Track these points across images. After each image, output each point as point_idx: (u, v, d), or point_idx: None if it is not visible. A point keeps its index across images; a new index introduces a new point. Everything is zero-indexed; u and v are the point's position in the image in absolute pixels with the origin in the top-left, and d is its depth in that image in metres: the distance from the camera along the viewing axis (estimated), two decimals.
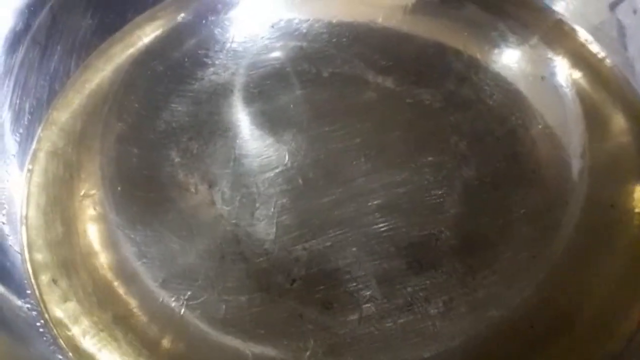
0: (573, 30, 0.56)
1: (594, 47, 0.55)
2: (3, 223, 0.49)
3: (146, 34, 0.57)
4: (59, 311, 0.47)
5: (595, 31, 0.56)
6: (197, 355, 0.45)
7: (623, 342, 0.45)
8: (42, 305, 0.47)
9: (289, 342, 0.45)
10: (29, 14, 0.52)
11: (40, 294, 0.47)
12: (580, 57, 0.55)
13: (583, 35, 0.56)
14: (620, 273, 0.47)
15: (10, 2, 0.52)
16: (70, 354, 0.45)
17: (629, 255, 0.48)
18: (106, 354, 0.46)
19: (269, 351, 0.45)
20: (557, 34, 0.56)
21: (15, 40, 0.52)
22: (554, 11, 0.57)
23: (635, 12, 0.53)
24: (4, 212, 0.49)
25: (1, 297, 0.46)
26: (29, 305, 0.47)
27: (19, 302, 0.46)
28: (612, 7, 0.55)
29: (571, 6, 0.57)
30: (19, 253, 0.48)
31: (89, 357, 0.46)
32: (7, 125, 0.51)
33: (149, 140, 0.53)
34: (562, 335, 0.45)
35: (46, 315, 0.47)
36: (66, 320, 0.47)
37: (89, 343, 0.46)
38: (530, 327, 0.45)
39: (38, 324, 0.46)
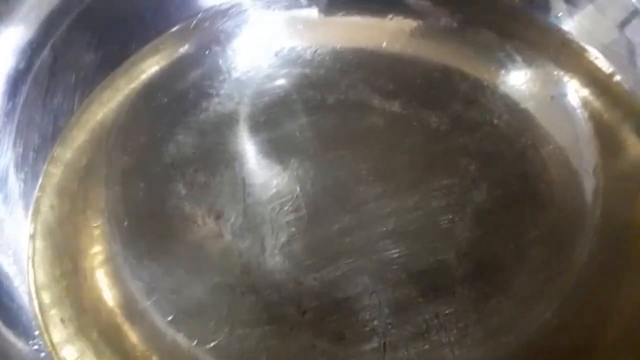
0: (582, 49, 0.56)
1: (604, 66, 0.55)
2: (9, 264, 0.48)
3: (149, 66, 0.57)
4: (68, 351, 0.46)
5: (604, 50, 0.55)
6: None
7: None
8: (51, 346, 0.46)
9: None
10: (31, 52, 0.52)
11: (49, 335, 0.47)
12: (590, 76, 0.55)
13: (592, 53, 0.55)
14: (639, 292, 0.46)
15: (11, 41, 0.52)
16: None
17: None
18: None
19: None
20: (565, 53, 0.56)
21: (18, 78, 0.52)
22: (562, 30, 0.57)
23: None
24: (10, 252, 0.49)
25: (8, 342, 0.45)
26: (37, 347, 0.46)
27: (27, 347, 0.46)
28: (622, 26, 0.54)
29: (579, 25, 0.56)
30: (26, 294, 0.48)
31: None
32: (12, 167, 0.51)
33: (155, 173, 0.52)
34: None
35: (54, 357, 0.46)
36: None
37: None
38: (549, 352, 0.45)
39: None
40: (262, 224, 0.50)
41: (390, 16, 0.58)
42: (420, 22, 0.58)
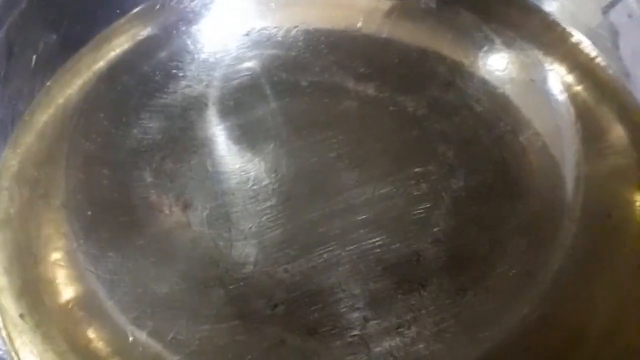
0: (565, 31, 0.55)
1: (587, 50, 0.54)
2: None
3: (114, 47, 0.55)
4: (26, 347, 0.45)
5: (588, 33, 0.54)
6: None
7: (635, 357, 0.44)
8: (9, 342, 0.45)
9: None
10: None
11: (7, 331, 0.45)
12: (572, 60, 0.54)
13: (576, 37, 0.55)
14: (623, 285, 0.46)
15: None
16: None
17: (630, 266, 0.46)
18: None
19: None
20: (547, 35, 0.55)
21: None
22: (544, 11, 0.56)
23: (629, 15, 0.52)
24: None
25: None
26: None
27: None
28: (606, 10, 0.53)
29: (563, 7, 0.55)
30: None
31: None
32: None
33: (119, 160, 0.51)
34: (565, 356, 0.44)
35: (12, 353, 0.45)
36: (33, 357, 0.45)
37: None
38: (528, 349, 0.44)
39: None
40: (232, 214, 0.49)
41: None
42: (397, 1, 0.57)
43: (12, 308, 0.46)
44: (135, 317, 0.45)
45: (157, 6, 0.57)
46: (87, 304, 0.46)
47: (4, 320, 0.45)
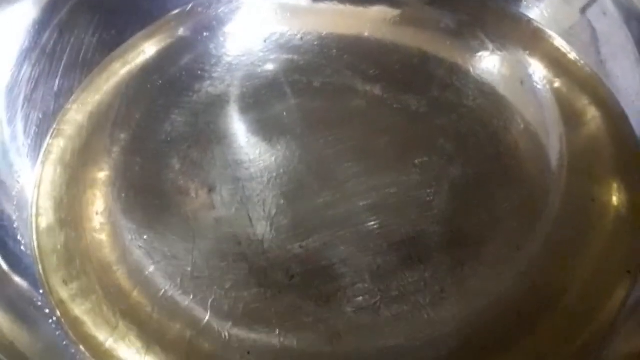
0: (548, 35, 0.59)
1: (568, 50, 0.58)
2: (15, 229, 0.51)
3: (145, 50, 0.60)
4: (71, 310, 0.49)
5: (568, 35, 0.58)
6: (204, 344, 0.47)
7: (608, 322, 0.47)
8: (55, 305, 0.49)
9: (290, 333, 0.47)
10: (35, 32, 0.55)
11: (53, 295, 0.49)
12: (556, 61, 0.58)
13: (557, 40, 0.59)
14: (600, 260, 0.49)
15: (17, 20, 0.54)
16: (82, 346, 0.47)
17: (609, 243, 0.50)
18: (121, 349, 0.47)
19: (272, 340, 0.47)
20: (533, 40, 0.59)
21: (23, 56, 0.54)
22: (529, 18, 0.60)
23: (605, 13, 0.56)
24: (15, 218, 0.51)
25: (21, 295, 0.48)
26: (41, 304, 0.49)
27: (35, 300, 0.48)
28: (583, 10, 0.58)
29: (545, 13, 0.60)
30: (31, 257, 0.50)
31: (102, 351, 0.48)
32: (19, 137, 0.54)
33: (151, 150, 0.55)
34: (548, 319, 0.47)
35: (58, 314, 0.48)
36: (80, 319, 0.48)
37: (102, 339, 0.48)
38: (517, 312, 0.47)
39: (50, 320, 0.48)
40: (251, 198, 0.53)
41: (372, 5, 0.62)
42: (400, 11, 0.61)
43: (56, 275, 0.50)
44: (169, 281, 0.49)
45: (185, 13, 0.61)
46: (125, 270, 0.50)
47: (49, 286, 0.49)
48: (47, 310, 0.48)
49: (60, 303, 0.49)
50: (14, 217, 0.51)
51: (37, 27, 0.55)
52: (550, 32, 0.59)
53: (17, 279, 0.49)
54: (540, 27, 0.60)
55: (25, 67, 0.54)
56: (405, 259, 0.50)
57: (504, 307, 0.48)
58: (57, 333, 0.48)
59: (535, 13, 0.60)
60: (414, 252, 0.50)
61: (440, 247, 0.50)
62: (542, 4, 0.60)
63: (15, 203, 0.52)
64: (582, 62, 0.58)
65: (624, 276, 0.48)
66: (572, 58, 0.58)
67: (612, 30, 0.56)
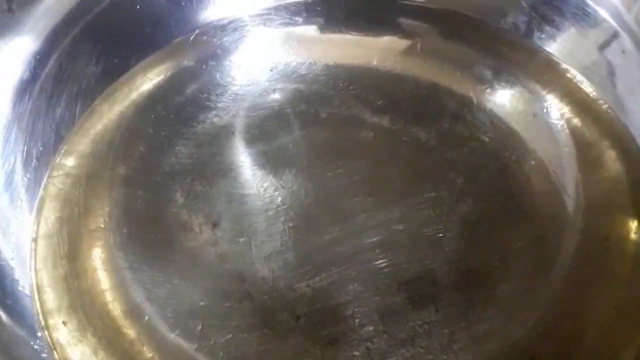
0: (564, 69, 0.58)
1: (585, 86, 0.57)
2: (13, 268, 0.49)
3: (149, 79, 0.59)
4: (69, 354, 0.47)
5: (585, 70, 0.57)
6: None
7: None
8: (53, 348, 0.47)
9: None
10: (36, 63, 0.54)
11: (51, 337, 0.48)
12: (571, 95, 0.57)
13: (574, 74, 0.58)
14: (618, 302, 0.48)
15: (17, 51, 0.53)
16: None
17: (625, 284, 0.49)
18: None
19: None
20: (548, 73, 0.58)
21: (23, 88, 0.53)
22: (545, 51, 0.59)
23: (624, 52, 0.55)
24: (13, 256, 0.50)
25: (13, 341, 0.47)
26: (38, 347, 0.47)
27: (29, 347, 0.47)
28: (602, 47, 0.57)
29: (562, 47, 0.59)
30: (29, 296, 0.49)
31: None
32: (16, 172, 0.52)
33: (154, 182, 0.54)
34: None
35: (56, 357, 0.47)
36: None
37: None
38: (531, 358, 0.46)
39: None
40: (257, 233, 0.51)
41: (381, 35, 0.60)
42: (410, 41, 0.60)
43: (55, 315, 0.48)
44: (170, 324, 0.48)
45: (190, 41, 0.60)
46: (125, 312, 0.48)
47: (47, 327, 0.48)
48: (45, 355, 0.47)
49: (59, 346, 0.48)
50: (12, 255, 0.50)
51: (38, 57, 0.54)
52: (567, 66, 0.58)
53: (13, 320, 0.47)
54: (556, 59, 0.59)
55: (25, 99, 0.53)
56: (414, 299, 0.49)
57: (517, 353, 0.46)
58: None
59: (551, 47, 0.59)
60: (423, 292, 0.49)
61: (451, 287, 0.49)
62: (559, 37, 0.59)
63: (13, 240, 0.51)
64: (599, 98, 0.57)
65: None
66: (589, 94, 0.57)
67: (630, 67, 0.55)
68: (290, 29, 0.61)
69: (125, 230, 0.52)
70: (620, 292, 0.49)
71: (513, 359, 0.46)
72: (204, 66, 0.59)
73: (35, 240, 0.51)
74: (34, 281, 0.50)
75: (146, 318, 0.48)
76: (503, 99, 0.57)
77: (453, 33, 0.60)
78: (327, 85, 0.58)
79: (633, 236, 0.51)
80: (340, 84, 0.58)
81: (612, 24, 0.56)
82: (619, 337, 0.47)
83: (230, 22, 0.61)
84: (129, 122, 0.57)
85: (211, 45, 0.60)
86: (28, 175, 0.53)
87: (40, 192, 0.53)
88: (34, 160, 0.53)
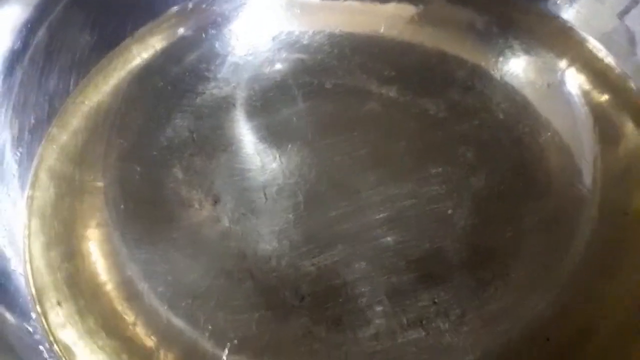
0: (581, 37, 0.56)
1: (603, 54, 0.55)
2: (5, 246, 0.48)
3: (146, 49, 0.56)
4: (63, 334, 0.46)
5: (603, 38, 0.55)
6: None
7: None
8: (47, 329, 0.46)
9: None
10: (27, 32, 0.52)
11: (45, 318, 0.47)
12: (588, 64, 0.55)
13: (591, 42, 0.55)
14: (636, 282, 0.46)
15: (7, 21, 0.51)
16: None
17: None
18: None
19: None
20: (563, 41, 0.56)
21: (14, 59, 0.51)
22: (560, 18, 0.57)
23: None
24: (4, 234, 0.48)
25: (6, 324, 0.45)
26: (31, 329, 0.46)
27: (23, 329, 0.46)
28: (622, 14, 0.54)
29: (579, 13, 0.56)
30: (22, 276, 0.48)
31: None
32: (7, 147, 0.51)
33: (152, 157, 0.52)
34: (580, 348, 0.45)
35: (51, 339, 0.46)
36: (71, 344, 0.46)
37: None
38: (545, 340, 0.45)
39: (42, 347, 0.45)
40: (259, 210, 0.50)
41: (387, 1, 0.58)
42: (418, 7, 0.58)
43: (49, 296, 0.47)
44: (168, 304, 0.47)
45: (188, 9, 0.58)
46: (121, 291, 0.47)
47: (42, 308, 0.47)
48: (38, 336, 0.46)
49: (53, 327, 0.46)
50: (4, 234, 0.48)
51: (28, 26, 0.52)
52: (584, 34, 0.56)
53: (6, 300, 0.46)
54: (573, 27, 0.56)
55: (17, 70, 0.51)
56: (424, 278, 0.47)
57: (531, 334, 0.45)
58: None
59: (567, 13, 0.57)
60: (433, 271, 0.47)
61: (461, 266, 0.47)
62: (575, 3, 0.56)
63: (5, 218, 0.49)
64: (618, 67, 0.54)
65: None
66: (608, 63, 0.55)
67: None
68: None
69: (122, 207, 0.50)
70: (638, 269, 0.47)
71: (526, 341, 0.45)
72: (203, 35, 0.57)
73: (28, 218, 0.50)
74: (27, 260, 0.48)
75: (144, 298, 0.47)
76: (516, 68, 0.55)
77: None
78: (331, 55, 0.56)
79: None
80: (346, 54, 0.56)
81: None
82: (638, 317, 0.45)
83: None
84: (125, 94, 0.55)
85: (210, 13, 0.58)
86: (20, 150, 0.51)
87: (34, 167, 0.51)
88: (27, 134, 0.52)
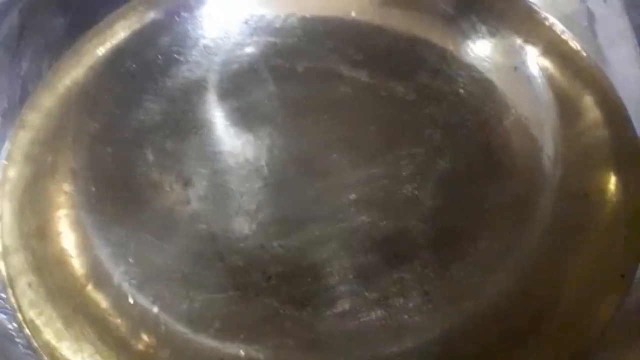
0: (545, 19, 0.56)
1: (566, 37, 0.55)
2: None
3: (118, 32, 0.57)
4: (33, 315, 0.47)
5: (566, 20, 0.56)
6: (173, 355, 0.45)
7: (600, 329, 0.45)
8: (17, 310, 0.47)
9: (267, 340, 0.45)
10: None
11: (17, 299, 0.47)
12: (552, 47, 0.55)
13: (555, 24, 0.56)
14: (595, 261, 0.47)
15: None
16: (46, 358, 0.45)
17: (603, 244, 0.48)
18: (82, 357, 0.45)
19: (247, 350, 0.45)
20: (528, 23, 0.56)
21: None
22: (527, 1, 0.57)
23: (605, 1, 0.54)
24: None
25: None
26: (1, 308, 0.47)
27: None
28: None
29: None
30: None
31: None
32: None
33: (123, 139, 0.52)
34: (539, 324, 0.45)
35: (20, 319, 0.46)
36: (41, 325, 0.46)
37: (64, 346, 0.46)
38: (506, 317, 0.46)
39: (10, 326, 0.46)
40: (230, 192, 0.50)
41: None
42: None
43: (20, 277, 0.48)
44: (138, 285, 0.47)
45: None
46: (92, 274, 0.48)
47: (13, 290, 0.47)
48: (5, 317, 0.46)
49: (23, 307, 0.47)
50: None
51: (0, 10, 0.52)
52: (548, 16, 0.56)
53: None
54: (536, 9, 0.57)
55: None
56: (389, 258, 0.48)
57: (493, 311, 0.46)
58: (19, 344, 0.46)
59: None
60: (398, 251, 0.48)
61: (426, 245, 0.48)
62: None
63: None
64: (580, 50, 0.55)
65: (618, 281, 0.46)
66: (571, 45, 0.55)
67: (612, 16, 0.53)
68: None
69: (93, 189, 0.50)
70: (597, 250, 0.48)
71: (488, 318, 0.46)
72: (176, 18, 0.57)
73: (0, 200, 0.50)
74: None
75: (114, 280, 0.47)
76: (483, 51, 0.55)
77: None
78: (303, 39, 0.56)
79: (612, 192, 0.50)
80: (317, 37, 0.56)
81: None
82: (595, 297, 0.46)
83: None
84: (97, 76, 0.55)
85: None
86: None
87: (7, 150, 0.52)
88: (0, 117, 0.52)
